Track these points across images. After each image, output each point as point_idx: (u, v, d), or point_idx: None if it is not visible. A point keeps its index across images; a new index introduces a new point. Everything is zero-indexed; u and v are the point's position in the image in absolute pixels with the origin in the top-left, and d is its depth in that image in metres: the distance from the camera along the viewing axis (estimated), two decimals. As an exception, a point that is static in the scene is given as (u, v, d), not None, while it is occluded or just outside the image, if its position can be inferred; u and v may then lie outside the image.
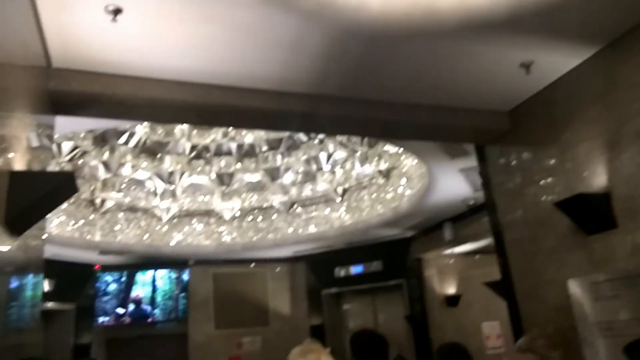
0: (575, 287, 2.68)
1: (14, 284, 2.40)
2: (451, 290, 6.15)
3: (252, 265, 7.32)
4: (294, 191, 6.68)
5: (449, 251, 5.99)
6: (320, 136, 6.19)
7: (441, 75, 2.69)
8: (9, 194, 1.68)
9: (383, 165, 5.77)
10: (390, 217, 5.76)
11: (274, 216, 6.81)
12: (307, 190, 6.74)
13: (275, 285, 7.43)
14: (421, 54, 2.45)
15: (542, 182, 2.97)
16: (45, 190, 1.79)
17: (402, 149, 5.20)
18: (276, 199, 6.66)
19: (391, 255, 6.66)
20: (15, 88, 1.90)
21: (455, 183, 4.71)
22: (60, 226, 5.31)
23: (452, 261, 6.28)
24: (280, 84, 2.69)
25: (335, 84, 2.70)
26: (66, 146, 5.07)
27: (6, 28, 1.63)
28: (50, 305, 5.56)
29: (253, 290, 7.26)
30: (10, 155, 1.81)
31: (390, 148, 5.53)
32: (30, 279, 2.80)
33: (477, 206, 5.16)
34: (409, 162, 5.40)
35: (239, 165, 6.42)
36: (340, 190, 6.37)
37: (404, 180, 5.53)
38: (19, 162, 1.93)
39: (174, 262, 6.88)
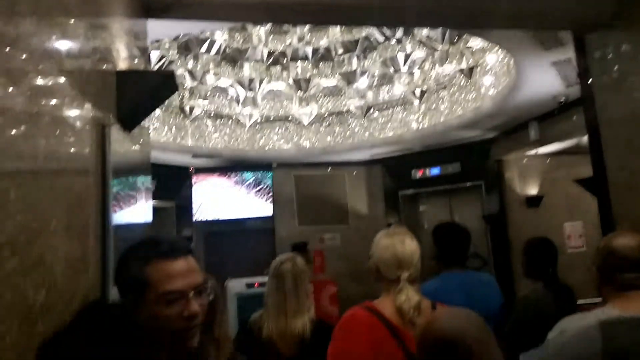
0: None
1: (136, 181, 2.74)
2: (533, 191, 6.03)
3: (330, 169, 7.58)
4: (370, 95, 6.63)
5: (533, 152, 5.78)
6: (398, 35, 5.94)
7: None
8: (118, 92, 1.87)
9: (465, 64, 5.49)
10: (471, 118, 5.59)
11: (351, 120, 6.86)
12: (384, 94, 6.65)
13: (353, 187, 7.70)
14: None
15: (651, 72, 2.71)
16: (149, 87, 1.96)
17: (487, 44, 4.89)
18: (352, 103, 6.66)
19: (470, 157, 6.56)
20: (112, -8, 2.01)
21: (545, 78, 4.42)
22: (155, 132, 5.77)
23: (536, 162, 6.07)
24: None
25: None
26: (153, 55, 5.34)
27: None
28: (154, 202, 6.16)
29: (332, 191, 7.59)
30: (113, 57, 1.97)
31: (473, 44, 5.21)
32: (144, 178, 3.17)
33: (568, 103, 4.84)
34: (494, 59, 5.08)
35: (315, 70, 6.42)
36: (418, 92, 6.21)
37: (487, 79, 5.25)
38: (121, 64, 2.11)
39: (259, 165, 7.32)
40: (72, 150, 1.29)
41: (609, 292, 1.58)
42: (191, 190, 7.16)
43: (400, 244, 1.92)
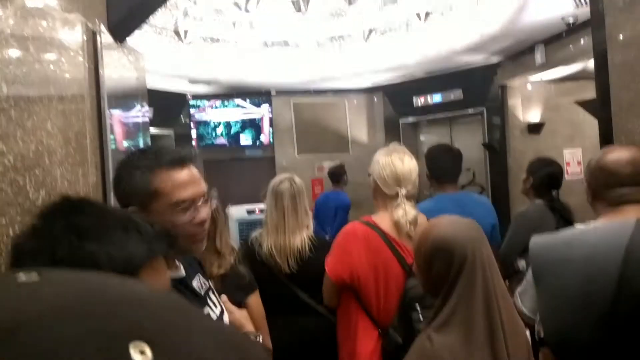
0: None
1: (134, 108, 2.69)
2: (535, 117, 5.97)
3: (330, 94, 7.46)
4: (372, 18, 6.35)
5: (537, 76, 5.65)
6: (403, -50, 5.59)
7: None
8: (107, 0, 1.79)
9: (472, -17, 5.21)
10: (476, 42, 5.41)
11: (352, 45, 6.64)
12: (387, 15, 6.37)
13: (353, 114, 7.62)
14: None
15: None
16: (140, -6, 1.87)
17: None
18: (354, 27, 6.40)
19: (473, 83, 6.42)
20: None
21: (555, -3, 4.22)
22: (151, 57, 5.60)
23: (539, 89, 5.96)
24: None
25: None
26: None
27: None
28: (153, 130, 6.13)
29: (332, 119, 7.53)
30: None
31: (482, -40, 4.92)
32: (141, 103, 3.13)
33: (577, 25, 4.66)
34: (503, -23, 4.82)
35: (314, -10, 6.11)
36: (422, 14, 5.95)
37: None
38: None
39: (257, 93, 7.19)
40: (63, 50, 1.25)
41: (602, 208, 1.59)
42: (189, 118, 7.10)
43: (399, 161, 1.95)
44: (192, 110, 7.10)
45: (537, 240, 0.58)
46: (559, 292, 0.53)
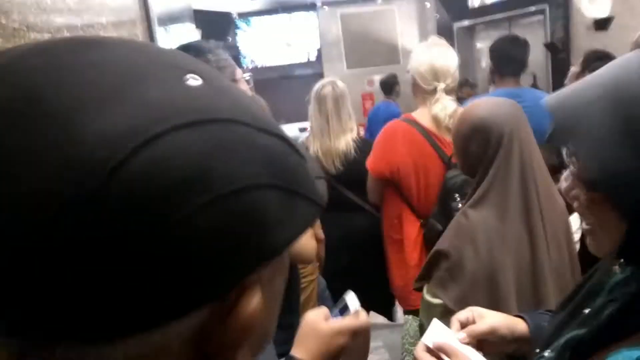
0: None
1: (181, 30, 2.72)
2: (603, 12, 5.40)
3: (378, 2, 7.09)
4: None
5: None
6: None
7: None
8: None
9: None
10: None
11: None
12: None
13: (403, 22, 7.25)
14: None
15: None
16: None
17: None
18: None
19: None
20: None
21: None
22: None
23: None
24: None
25: None
26: None
27: None
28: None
29: (381, 29, 7.20)
30: None
31: None
32: (186, 26, 3.15)
33: None
34: None
35: None
36: None
37: None
38: None
39: (303, 5, 6.96)
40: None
41: None
42: (236, 37, 7.07)
43: (438, 54, 1.91)
44: (238, 31, 7.05)
45: (552, 96, 0.58)
46: (597, 134, 0.55)
